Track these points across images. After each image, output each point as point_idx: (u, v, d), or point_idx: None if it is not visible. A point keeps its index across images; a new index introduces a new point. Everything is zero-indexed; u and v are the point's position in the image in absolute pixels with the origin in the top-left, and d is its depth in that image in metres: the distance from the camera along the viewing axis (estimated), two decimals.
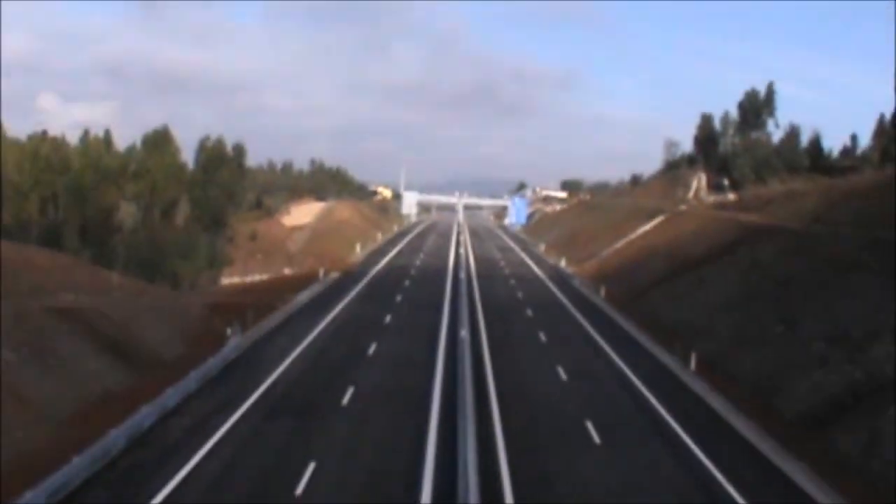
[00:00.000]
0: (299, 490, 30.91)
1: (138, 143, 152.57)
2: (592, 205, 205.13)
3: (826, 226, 71.70)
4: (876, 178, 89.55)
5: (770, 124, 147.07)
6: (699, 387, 49.54)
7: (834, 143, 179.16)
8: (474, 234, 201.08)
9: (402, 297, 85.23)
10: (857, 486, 33.08)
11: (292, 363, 52.08)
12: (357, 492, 31.43)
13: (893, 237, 56.19)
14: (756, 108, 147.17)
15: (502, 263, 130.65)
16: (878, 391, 39.12)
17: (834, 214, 74.02)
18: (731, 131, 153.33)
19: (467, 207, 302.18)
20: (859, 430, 36.72)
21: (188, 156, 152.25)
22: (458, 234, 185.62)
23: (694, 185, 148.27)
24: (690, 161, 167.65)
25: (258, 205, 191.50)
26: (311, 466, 33.25)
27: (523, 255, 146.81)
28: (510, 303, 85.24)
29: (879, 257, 54.59)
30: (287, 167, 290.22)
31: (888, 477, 32.69)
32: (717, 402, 46.05)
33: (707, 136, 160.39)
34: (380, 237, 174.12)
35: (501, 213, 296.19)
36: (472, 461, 32.17)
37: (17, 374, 38.44)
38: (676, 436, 40.08)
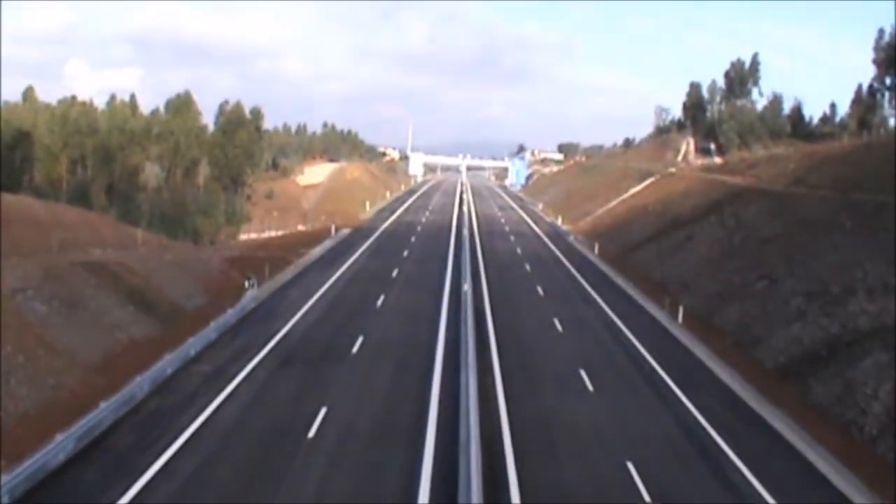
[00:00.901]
0: (311, 433, 30.94)
1: (162, 108, 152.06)
2: (587, 167, 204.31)
3: (806, 188, 71.35)
4: (853, 144, 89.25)
5: (755, 93, 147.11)
6: (686, 338, 49.58)
7: (814, 111, 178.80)
8: (476, 193, 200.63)
9: (408, 252, 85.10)
10: (831, 432, 33.12)
11: (305, 314, 52.07)
12: (366, 434, 31.46)
13: (869, 199, 55.93)
14: (741, 77, 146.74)
15: (502, 221, 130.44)
16: (852, 344, 39.05)
17: (813, 178, 73.63)
18: (717, 99, 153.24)
19: (470, 168, 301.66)
20: (834, 381, 36.69)
21: (209, 119, 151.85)
22: (462, 193, 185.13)
23: (683, 149, 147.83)
24: (680, 126, 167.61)
25: (274, 165, 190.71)
26: (323, 411, 33.29)
27: (522, 214, 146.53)
28: (510, 258, 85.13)
29: (856, 218, 54.35)
30: (301, 130, 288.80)
31: (861, 424, 32.69)
32: (702, 353, 46.11)
33: (695, 103, 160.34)
34: (388, 196, 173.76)
35: (502, 174, 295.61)
36: (473, 405, 32.25)
37: (47, 324, 38.42)
38: (664, 384, 40.10)
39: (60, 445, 26.70)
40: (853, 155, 76.42)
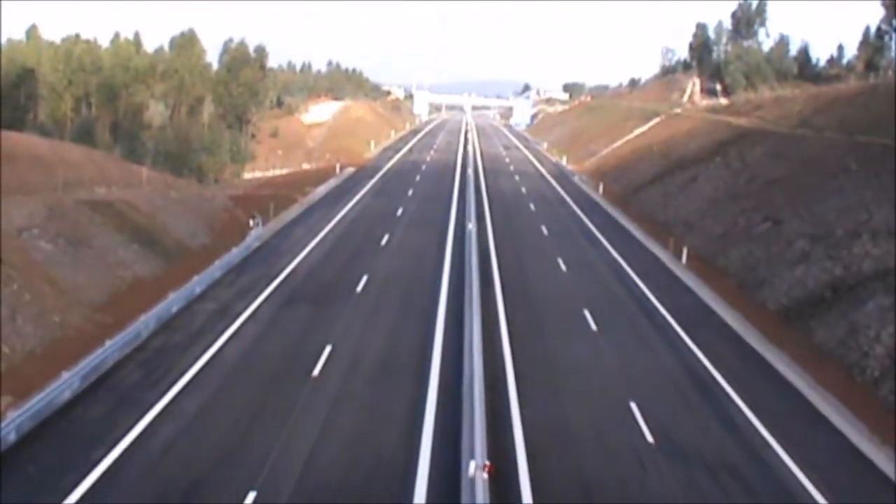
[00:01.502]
0: (316, 371, 30.91)
1: (166, 46, 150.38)
2: (592, 107, 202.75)
3: (812, 130, 70.65)
4: (860, 87, 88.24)
5: (761, 34, 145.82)
6: (690, 279, 49.39)
7: (821, 53, 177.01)
8: (481, 132, 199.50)
9: (413, 191, 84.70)
10: (833, 374, 33.03)
11: (310, 252, 51.91)
12: (370, 372, 31.45)
13: (875, 142, 55.32)
14: (748, 18, 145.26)
15: (507, 160, 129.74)
16: (856, 287, 38.82)
17: (819, 120, 72.89)
18: (724, 40, 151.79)
19: (475, 108, 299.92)
20: (837, 323, 36.52)
21: (213, 58, 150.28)
22: (467, 132, 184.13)
23: (688, 89, 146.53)
24: (685, 67, 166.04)
25: (279, 103, 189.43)
26: (328, 349, 33.23)
27: (527, 153, 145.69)
28: (514, 197, 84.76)
29: (861, 161, 53.83)
30: (306, 68, 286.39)
31: (863, 366, 32.58)
32: (706, 294, 45.94)
33: (701, 43, 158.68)
34: (393, 135, 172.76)
35: (507, 113, 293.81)
36: (476, 343, 32.24)
37: (53, 263, 38.24)
38: (668, 324, 39.98)
39: (66, 383, 26.66)
40: (860, 97, 75.59)
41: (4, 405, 25.40)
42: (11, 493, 21.05)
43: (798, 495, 23.47)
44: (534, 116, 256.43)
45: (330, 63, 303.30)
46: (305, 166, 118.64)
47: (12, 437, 23.31)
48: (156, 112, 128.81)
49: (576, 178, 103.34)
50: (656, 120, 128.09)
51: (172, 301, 37.00)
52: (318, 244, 54.62)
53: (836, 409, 29.66)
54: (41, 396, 25.17)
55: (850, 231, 44.50)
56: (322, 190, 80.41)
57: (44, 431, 24.47)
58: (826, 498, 23.19)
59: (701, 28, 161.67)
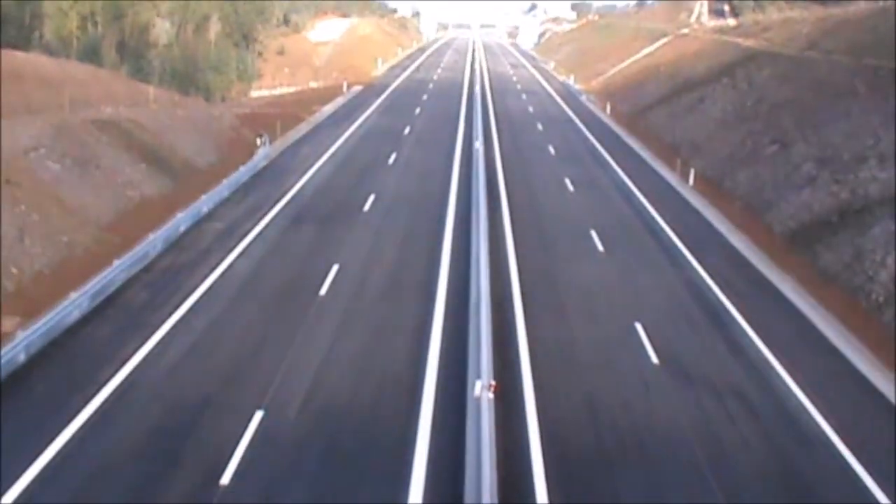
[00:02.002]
0: (323, 290, 30.82)
1: None
2: (600, 26, 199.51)
3: (820, 53, 69.37)
4: (869, 8, 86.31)
5: None
6: (697, 201, 49.01)
7: None
8: (488, 51, 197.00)
9: (420, 109, 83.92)
10: (838, 298, 32.84)
11: (317, 171, 51.56)
12: (377, 291, 31.37)
13: (884, 65, 54.32)
14: None
15: (514, 79, 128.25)
16: (862, 211, 38.39)
17: (828, 42, 71.48)
18: None
19: (482, 26, 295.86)
20: (843, 247, 36.20)
21: None
22: (474, 51, 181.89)
23: (696, 10, 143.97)
24: None
25: (285, 21, 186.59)
26: (335, 268, 33.13)
27: (534, 72, 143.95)
28: (521, 117, 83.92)
29: (870, 84, 52.88)
30: None
31: (868, 291, 32.37)
32: (712, 216, 45.61)
33: None
34: (400, 53, 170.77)
35: (514, 32, 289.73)
36: (483, 262, 32.09)
37: (60, 183, 37.95)
38: (674, 246, 39.72)
39: (75, 303, 26.59)
40: (869, 19, 73.94)
41: (13, 325, 25.37)
42: (21, 411, 21.09)
43: (799, 417, 23.45)
44: (541, 35, 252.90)
45: None
46: (312, 85, 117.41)
47: (22, 358, 23.30)
48: (162, 30, 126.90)
49: (583, 98, 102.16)
50: (664, 40, 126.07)
51: (180, 220, 36.81)
52: (325, 163, 54.22)
53: (840, 334, 29.54)
54: (50, 317, 25.11)
55: (857, 155, 43.89)
56: (329, 108, 79.67)
57: (53, 351, 24.47)
58: (827, 420, 23.15)
59: None
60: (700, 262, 37.13)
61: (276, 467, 19.21)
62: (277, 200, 43.58)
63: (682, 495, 19.27)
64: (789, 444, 21.97)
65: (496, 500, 17.22)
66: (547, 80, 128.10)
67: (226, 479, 18.53)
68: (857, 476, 20.50)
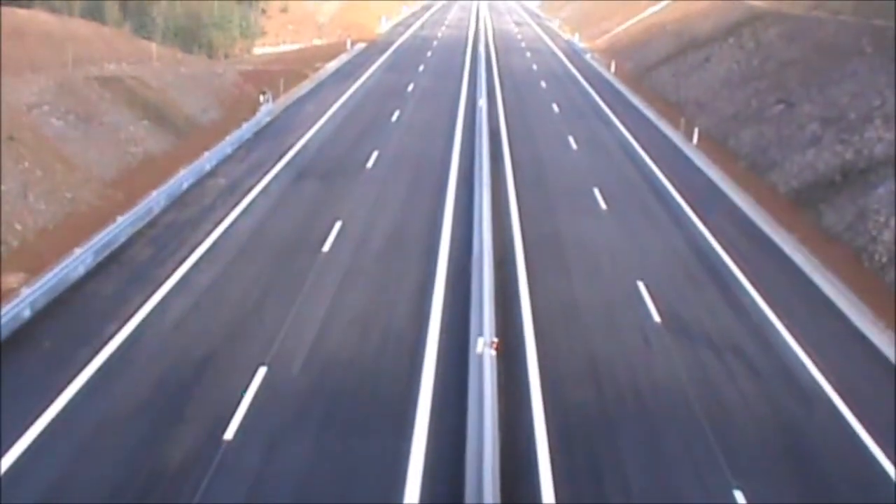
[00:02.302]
0: (326, 246, 30.86)
1: None
2: None
3: (827, 12, 68.73)
4: None
5: None
6: (700, 160, 48.83)
7: None
8: (493, 9, 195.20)
9: (424, 67, 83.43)
10: (841, 258, 32.79)
11: (321, 128, 51.39)
12: (380, 248, 31.40)
13: (891, 25, 53.83)
14: None
15: (519, 37, 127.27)
16: (867, 171, 38.26)
17: (834, 2, 70.87)
18: None
19: None
20: (847, 207, 36.13)
21: None
22: (478, 9, 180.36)
23: None
24: None
25: None
26: (338, 225, 33.14)
27: (538, 30, 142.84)
28: (525, 74, 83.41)
29: (876, 44, 52.45)
30: None
31: (871, 251, 32.35)
32: (716, 175, 45.45)
33: None
34: (404, 10, 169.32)
35: None
36: (486, 218, 32.11)
37: (64, 139, 37.86)
38: (677, 205, 39.66)
39: (79, 259, 26.65)
40: None
41: (18, 281, 25.44)
42: (27, 367, 21.23)
43: (800, 375, 23.54)
44: None
45: None
46: (316, 42, 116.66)
47: (27, 314, 23.39)
48: None
49: (587, 56, 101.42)
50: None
51: (183, 177, 36.78)
52: (328, 120, 54.03)
53: (842, 293, 29.51)
54: (54, 273, 25.18)
55: (863, 115, 43.65)
56: (333, 66, 79.20)
57: (57, 307, 24.56)
58: (827, 379, 23.24)
59: None
60: (703, 220, 37.09)
61: (279, 422, 19.34)
62: (280, 157, 43.48)
63: (682, 451, 19.39)
64: (789, 401, 22.07)
65: (498, 456, 17.38)
66: (551, 39, 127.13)
67: (229, 433, 18.66)
68: (854, 433, 20.62)
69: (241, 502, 16.49)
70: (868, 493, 18.41)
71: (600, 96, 71.60)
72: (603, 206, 38.66)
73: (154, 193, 33.56)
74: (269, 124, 51.89)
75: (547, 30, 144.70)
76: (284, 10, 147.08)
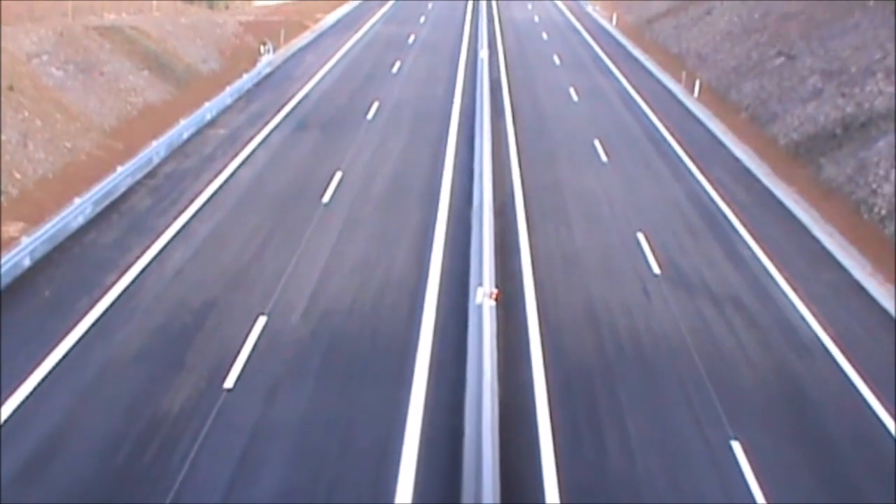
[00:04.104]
0: (326, 197, 30.62)
1: None
2: None
3: None
4: None
5: None
6: (701, 112, 48.41)
7: None
8: None
9: (425, 18, 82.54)
10: (840, 211, 32.54)
11: (321, 79, 50.88)
12: (380, 198, 31.16)
13: None
14: None
15: None
16: (867, 124, 37.82)
17: None
18: None
19: None
20: (847, 160, 35.76)
21: None
22: None
23: None
24: None
25: None
26: (338, 175, 32.89)
27: None
28: (527, 26, 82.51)
29: None
30: None
31: (871, 204, 32.07)
32: (716, 127, 45.08)
33: None
34: None
35: None
36: (487, 169, 31.90)
37: (63, 89, 37.41)
38: (678, 156, 39.32)
39: (79, 208, 26.42)
40: None
41: (18, 231, 25.23)
42: (27, 316, 21.08)
43: (798, 327, 23.39)
44: None
45: None
46: None
47: (27, 262, 23.22)
48: None
49: (588, 8, 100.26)
50: None
51: (183, 127, 36.44)
52: (328, 71, 53.48)
53: (841, 246, 29.33)
54: (54, 222, 24.97)
55: (864, 68, 43.08)
56: (333, 17, 78.40)
57: (57, 256, 24.39)
58: (825, 331, 23.10)
59: None
60: (703, 172, 36.79)
61: (279, 371, 19.24)
62: (281, 107, 43.08)
63: (681, 402, 19.30)
64: (787, 353, 21.94)
65: (497, 405, 17.28)
66: None
67: (230, 382, 18.56)
68: (853, 385, 20.52)
69: (240, 450, 16.41)
70: (866, 445, 18.32)
71: (602, 48, 70.81)
72: (603, 157, 38.33)
73: (154, 143, 33.24)
74: (269, 75, 51.36)
75: None
76: None
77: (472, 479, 15.23)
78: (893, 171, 32.76)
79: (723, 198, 33.62)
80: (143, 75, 43.63)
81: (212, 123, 39.27)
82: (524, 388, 19.28)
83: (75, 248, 25.05)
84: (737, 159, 39.66)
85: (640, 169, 37.18)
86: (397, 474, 16.04)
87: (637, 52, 68.92)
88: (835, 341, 22.52)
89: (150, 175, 31.76)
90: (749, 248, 28.72)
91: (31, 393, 17.75)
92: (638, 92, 53.15)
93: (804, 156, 38.70)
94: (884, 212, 31.20)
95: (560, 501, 15.69)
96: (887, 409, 19.44)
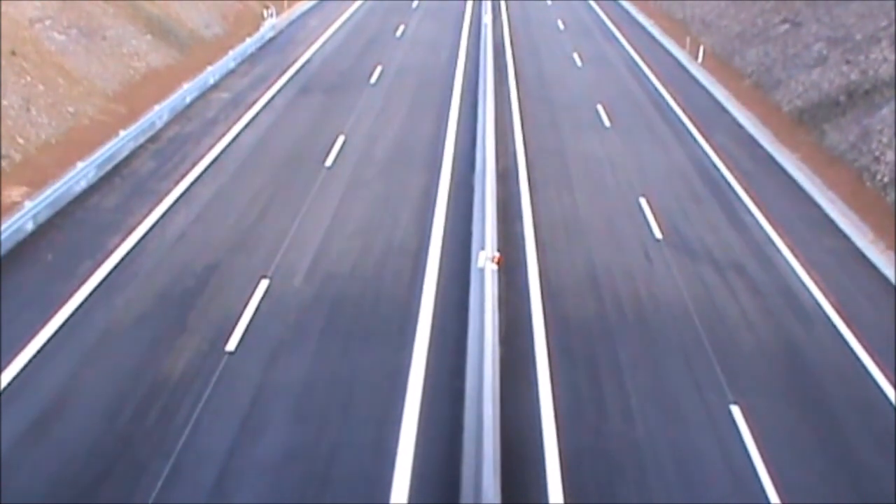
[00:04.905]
0: (329, 161, 30.50)
1: None
2: None
3: None
4: None
5: None
6: (705, 78, 48.09)
7: None
8: None
9: None
10: (843, 178, 32.37)
11: (324, 43, 50.50)
12: (383, 162, 31.00)
13: None
14: None
15: None
16: (871, 92, 37.54)
17: None
18: None
19: None
20: (850, 127, 35.53)
21: None
22: None
23: None
24: None
25: None
26: (341, 139, 32.76)
27: None
28: None
29: None
30: None
31: (873, 171, 31.90)
32: (720, 93, 44.79)
33: None
34: None
35: None
36: (489, 133, 31.79)
37: (66, 53, 37.10)
38: (681, 122, 39.12)
39: (82, 173, 26.30)
40: None
41: (21, 195, 25.16)
42: (31, 278, 21.05)
43: (799, 293, 23.37)
44: None
45: None
46: None
47: (30, 226, 23.16)
48: None
49: None
50: None
51: (186, 91, 36.19)
52: (332, 35, 53.08)
53: (843, 213, 29.23)
54: (57, 186, 24.87)
55: (869, 36, 42.70)
56: None
57: (60, 220, 24.30)
58: (826, 297, 23.09)
59: None
60: (707, 139, 36.61)
61: (280, 335, 19.23)
62: (284, 72, 42.79)
63: (682, 366, 19.30)
64: (789, 319, 21.92)
65: (498, 368, 17.29)
66: None
67: (231, 345, 18.57)
68: (853, 352, 20.52)
69: (243, 412, 16.44)
70: (865, 411, 18.34)
71: (606, 13, 70.18)
72: (607, 122, 38.12)
73: (157, 107, 33.02)
74: (272, 39, 50.97)
75: None
76: None
77: (473, 442, 15.26)
78: None
79: (725, 164, 33.48)
80: (146, 40, 43.30)
81: (215, 87, 39.03)
82: (525, 351, 19.28)
83: (78, 212, 24.96)
84: (740, 126, 39.43)
85: (643, 134, 36.98)
86: (398, 436, 16.09)
87: (641, 18, 68.32)
88: (835, 308, 22.49)
89: (153, 139, 31.60)
90: (751, 214, 28.63)
91: (34, 356, 17.75)
92: (642, 57, 52.76)
93: (808, 122, 38.46)
94: (886, 179, 31.05)
95: (560, 463, 15.73)
96: (886, 376, 19.45)
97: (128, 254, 22.56)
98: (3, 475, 14.45)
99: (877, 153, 32.68)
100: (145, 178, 27.92)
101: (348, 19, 59.10)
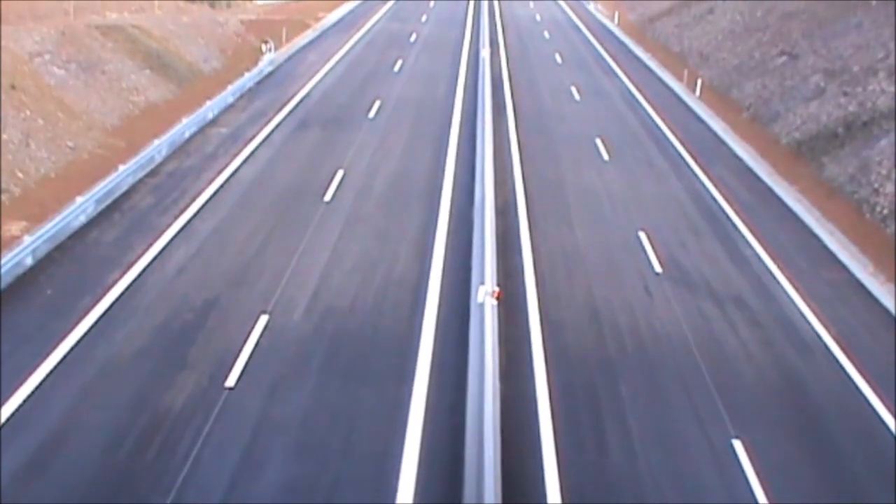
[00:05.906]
0: (328, 196, 30.65)
1: None
2: None
3: None
4: None
5: None
6: (703, 111, 48.44)
7: None
8: None
9: (427, 17, 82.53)
10: (842, 210, 32.55)
11: (323, 78, 50.89)
12: (382, 197, 31.16)
13: None
14: None
15: None
16: (870, 124, 37.85)
17: None
18: None
19: None
20: (849, 160, 35.78)
21: None
22: None
23: None
24: None
25: None
26: (340, 173, 32.93)
27: None
28: (529, 25, 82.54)
29: None
30: None
31: (872, 203, 32.09)
32: (718, 126, 45.12)
33: None
34: None
35: None
36: (488, 168, 31.94)
37: (65, 88, 37.42)
38: (679, 155, 39.38)
39: (81, 207, 26.42)
40: None
41: (20, 229, 25.27)
42: (30, 314, 21.11)
43: (799, 325, 23.45)
44: None
45: None
46: None
47: (29, 261, 23.25)
48: None
49: (590, 7, 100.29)
50: None
51: (185, 126, 36.44)
52: (330, 69, 53.50)
53: (843, 245, 29.38)
54: (56, 221, 24.98)
55: (867, 68, 43.10)
56: (335, 16, 78.40)
57: (60, 255, 24.39)
58: (827, 330, 23.16)
59: None
60: (705, 171, 36.84)
61: (281, 370, 19.27)
62: (283, 106, 43.10)
63: (683, 401, 19.33)
64: (789, 352, 21.98)
65: (499, 404, 17.31)
66: None
67: (231, 381, 18.60)
68: (854, 384, 20.56)
69: (242, 448, 16.46)
70: (867, 443, 18.36)
71: (603, 47, 70.85)
72: (605, 156, 38.37)
73: (156, 142, 33.25)
74: (271, 73, 51.38)
75: None
76: None
77: (474, 478, 15.27)
78: (895, 170, 32.78)
79: (724, 196, 33.68)
80: (144, 74, 43.66)
81: (214, 122, 39.30)
82: (526, 387, 19.30)
83: (77, 247, 25.07)
84: (739, 158, 39.70)
85: (642, 167, 37.22)
86: (399, 472, 16.09)
87: (639, 51, 68.95)
88: (836, 340, 22.57)
89: (152, 173, 31.78)
90: (751, 246, 28.77)
91: (34, 391, 17.78)
92: (639, 90, 53.18)
93: (806, 155, 38.72)
94: (885, 211, 31.22)
95: (562, 500, 15.73)
96: (888, 408, 19.49)
97: (127, 289, 22.64)
98: None
99: (876, 185, 32.89)
100: (145, 213, 28.05)
101: (346, 54, 59.57)
